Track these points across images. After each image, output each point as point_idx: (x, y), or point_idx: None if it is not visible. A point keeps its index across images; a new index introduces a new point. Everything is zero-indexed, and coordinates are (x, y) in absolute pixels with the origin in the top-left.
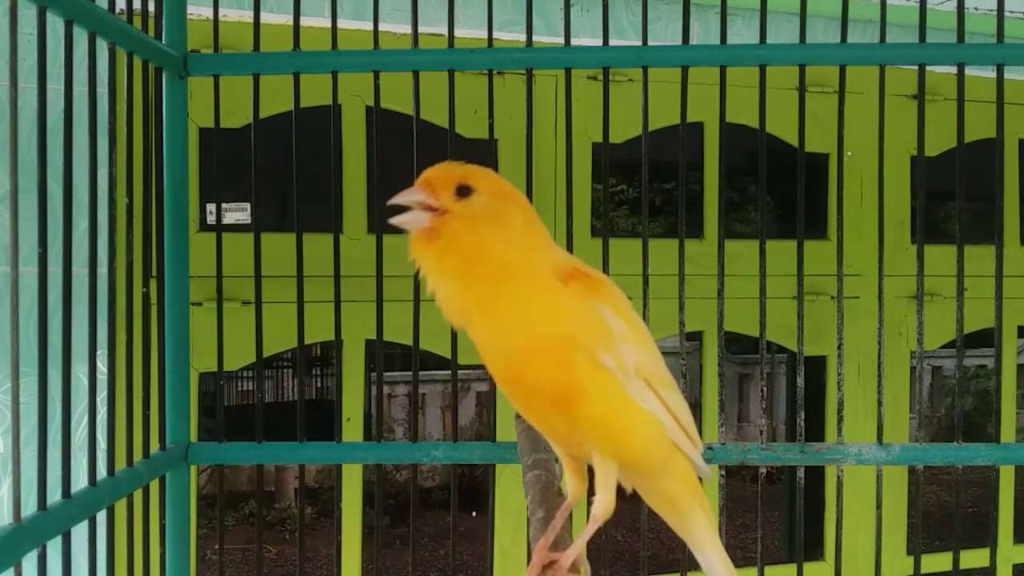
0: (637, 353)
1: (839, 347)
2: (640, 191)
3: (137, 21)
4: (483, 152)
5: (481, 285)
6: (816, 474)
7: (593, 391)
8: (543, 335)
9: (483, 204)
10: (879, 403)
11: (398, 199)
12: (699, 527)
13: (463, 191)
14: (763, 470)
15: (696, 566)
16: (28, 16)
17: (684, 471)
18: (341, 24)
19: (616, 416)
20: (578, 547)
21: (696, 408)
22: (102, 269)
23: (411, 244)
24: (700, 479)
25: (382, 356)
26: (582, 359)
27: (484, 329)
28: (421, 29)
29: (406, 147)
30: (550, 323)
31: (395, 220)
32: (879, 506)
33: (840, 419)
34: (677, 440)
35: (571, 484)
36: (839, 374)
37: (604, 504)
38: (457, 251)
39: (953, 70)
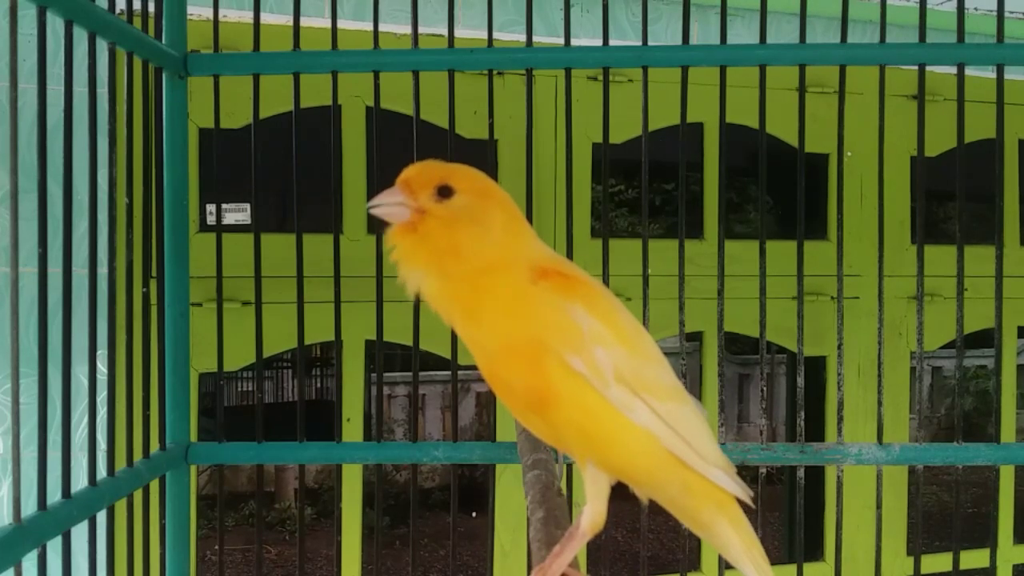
0: (618, 357)
1: (839, 347)
2: (640, 191)
3: (137, 21)
4: (483, 152)
5: (459, 285)
6: (816, 474)
7: (566, 395)
8: (514, 336)
9: (463, 205)
10: (879, 403)
11: (376, 201)
12: (728, 546)
13: (443, 192)
14: (763, 470)
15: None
16: (28, 16)
17: (700, 488)
18: (341, 24)
19: (593, 422)
20: (565, 560)
21: None
22: (102, 269)
23: (389, 234)
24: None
25: (382, 356)
26: (552, 362)
27: (466, 328)
28: (421, 29)
29: (406, 147)
30: (519, 324)
31: (374, 209)
32: (879, 506)
33: (840, 419)
34: (681, 455)
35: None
36: (839, 374)
37: (592, 515)
38: (431, 248)
39: (953, 70)
